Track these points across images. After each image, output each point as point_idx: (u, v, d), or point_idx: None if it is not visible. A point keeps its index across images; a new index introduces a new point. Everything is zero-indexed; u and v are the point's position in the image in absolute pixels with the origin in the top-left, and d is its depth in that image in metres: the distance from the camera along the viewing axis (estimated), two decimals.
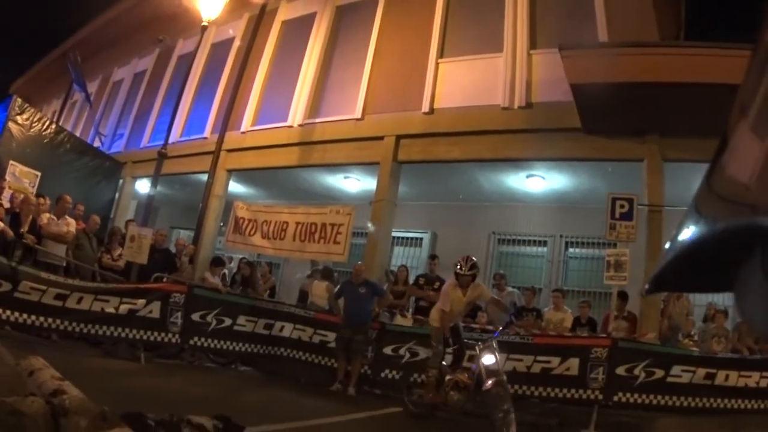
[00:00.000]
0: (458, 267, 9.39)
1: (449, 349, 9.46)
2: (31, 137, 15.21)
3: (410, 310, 13.08)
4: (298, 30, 18.36)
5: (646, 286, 1.25)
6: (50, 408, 3.90)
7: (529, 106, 13.11)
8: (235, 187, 19.15)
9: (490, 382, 8.14)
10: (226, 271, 15.59)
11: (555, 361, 10.12)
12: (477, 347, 8.75)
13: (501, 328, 9.31)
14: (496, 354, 8.48)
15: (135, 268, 12.90)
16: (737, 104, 0.98)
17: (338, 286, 12.68)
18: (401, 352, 11.16)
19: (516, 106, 13.20)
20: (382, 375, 11.20)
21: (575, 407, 9.97)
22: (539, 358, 10.24)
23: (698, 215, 1.02)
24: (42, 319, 10.21)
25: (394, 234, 15.78)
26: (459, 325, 9.64)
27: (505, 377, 8.34)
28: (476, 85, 14.04)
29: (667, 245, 1.10)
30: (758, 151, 0.84)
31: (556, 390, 10.00)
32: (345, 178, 17.19)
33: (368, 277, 12.31)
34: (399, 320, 12.53)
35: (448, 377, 9.03)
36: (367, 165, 15.46)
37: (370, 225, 14.42)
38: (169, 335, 11.38)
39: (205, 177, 17.74)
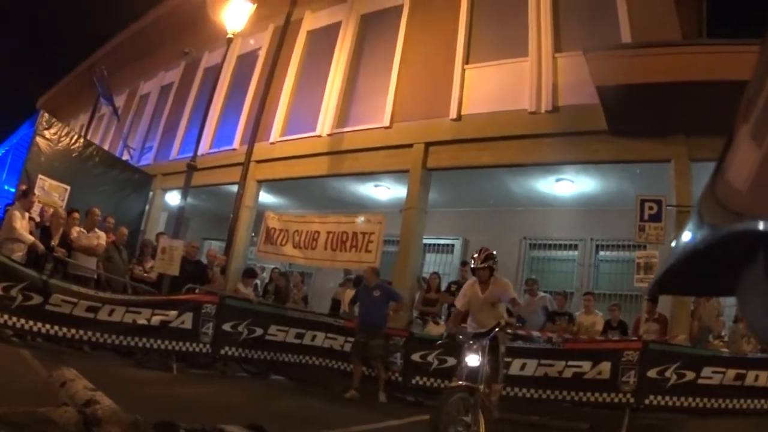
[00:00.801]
0: (471, 261, 8.80)
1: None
2: (60, 151, 15.67)
3: (443, 317, 13.35)
4: (323, 39, 18.84)
5: (649, 288, 1.44)
6: (83, 417, 4.21)
7: (556, 109, 13.37)
8: (265, 197, 19.55)
9: (459, 383, 7.12)
10: (258, 281, 15.97)
11: (587, 365, 10.32)
12: (465, 345, 7.68)
13: (496, 330, 7.93)
14: (482, 357, 7.33)
15: (167, 279, 13.30)
16: (742, 106, 1.00)
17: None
18: (429, 359, 11.42)
19: (543, 110, 13.46)
20: (413, 382, 11.49)
21: (607, 411, 10.13)
22: (571, 363, 10.46)
23: (701, 219, 1.05)
24: (73, 331, 10.48)
25: (425, 241, 16.06)
26: (497, 335, 8.06)
27: (482, 388, 6.99)
28: (503, 90, 14.32)
29: (672, 244, 1.15)
30: (754, 157, 0.88)
31: (588, 394, 10.19)
32: (375, 186, 17.54)
33: (383, 282, 12.58)
34: (431, 327, 12.82)
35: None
36: (396, 173, 15.78)
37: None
38: (201, 345, 11.70)
39: (234, 188, 18.18)
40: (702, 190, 1.10)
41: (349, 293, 13.95)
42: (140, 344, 11.15)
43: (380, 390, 11.13)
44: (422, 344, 11.67)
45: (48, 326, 10.24)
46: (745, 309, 1.08)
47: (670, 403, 9.80)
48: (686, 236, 1.07)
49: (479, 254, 8.52)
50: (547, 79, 13.66)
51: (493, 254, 8.53)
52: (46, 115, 16.33)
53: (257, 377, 12.67)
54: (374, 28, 17.96)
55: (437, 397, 7.19)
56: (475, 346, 7.40)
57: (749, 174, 0.89)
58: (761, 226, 0.80)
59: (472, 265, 8.63)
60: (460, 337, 8.22)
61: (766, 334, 1.07)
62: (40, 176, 14.65)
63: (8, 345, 9.70)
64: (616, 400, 9.99)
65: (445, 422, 6.51)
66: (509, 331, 9.56)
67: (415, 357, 11.60)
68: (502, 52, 14.73)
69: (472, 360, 7.27)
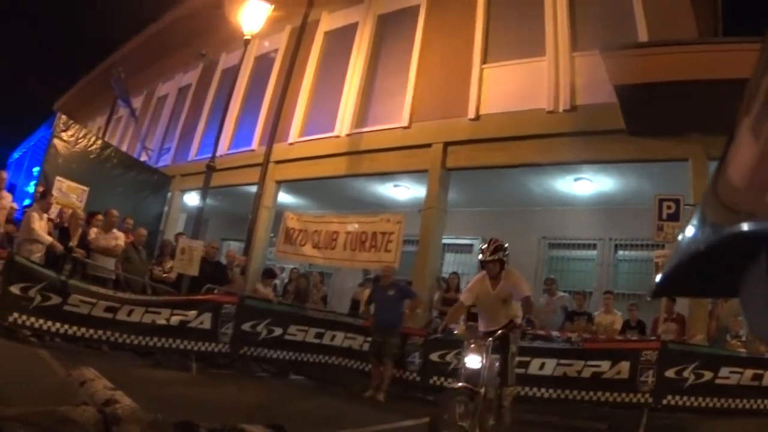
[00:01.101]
0: (480, 253, 7.99)
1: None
2: (77, 153, 15.98)
3: (462, 317, 13.47)
4: (340, 40, 19.15)
5: (651, 290, 1.47)
6: (102, 417, 4.20)
7: (574, 109, 13.50)
8: (284, 197, 19.85)
9: (458, 384, 6.67)
10: (277, 281, 16.23)
11: (605, 365, 10.36)
12: (465, 344, 7.17)
13: (505, 329, 7.41)
14: (485, 358, 6.77)
15: (186, 280, 13.56)
16: (744, 102, 1.02)
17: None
18: (448, 358, 11.48)
19: (561, 110, 13.61)
20: (431, 381, 11.60)
21: (625, 411, 10.18)
22: (590, 362, 10.50)
23: (703, 219, 1.05)
24: (92, 331, 10.68)
25: (444, 241, 16.24)
26: (508, 334, 7.48)
27: (483, 391, 6.58)
28: (521, 90, 14.48)
29: (678, 239, 1.16)
30: (753, 151, 0.88)
31: (607, 394, 10.22)
32: (395, 186, 17.76)
33: (399, 281, 12.79)
34: (452, 327, 12.91)
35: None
36: (415, 173, 16.01)
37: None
38: (220, 345, 11.88)
39: (253, 189, 18.49)
40: (705, 189, 1.15)
41: (368, 293, 14.00)
42: (159, 344, 11.38)
43: (381, 390, 11.23)
44: (441, 344, 11.59)
45: (66, 326, 10.47)
46: (747, 309, 1.10)
47: (688, 404, 9.85)
48: (689, 236, 1.10)
49: (488, 245, 7.86)
50: (564, 78, 13.80)
51: (503, 245, 7.86)
52: (64, 117, 16.58)
53: (277, 377, 12.85)
54: (391, 28, 18.19)
55: (438, 399, 6.72)
56: (475, 346, 6.90)
57: (748, 169, 0.91)
58: (761, 227, 0.81)
59: (481, 258, 7.92)
60: (455, 332, 8.06)
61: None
62: (57, 178, 14.99)
63: (26, 345, 9.92)
64: (634, 400, 9.99)
65: (443, 427, 6.11)
66: (528, 330, 9.60)
67: (434, 357, 11.67)
68: (520, 51, 14.89)
69: (472, 361, 6.78)
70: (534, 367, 10.74)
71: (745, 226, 0.86)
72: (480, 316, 8.33)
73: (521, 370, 10.21)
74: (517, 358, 8.23)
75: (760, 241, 0.88)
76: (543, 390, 10.66)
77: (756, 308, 1.03)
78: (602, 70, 11.55)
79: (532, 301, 8.11)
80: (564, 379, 10.59)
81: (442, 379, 11.46)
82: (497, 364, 7.36)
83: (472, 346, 6.87)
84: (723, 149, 1.11)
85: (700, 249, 1.03)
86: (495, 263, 7.75)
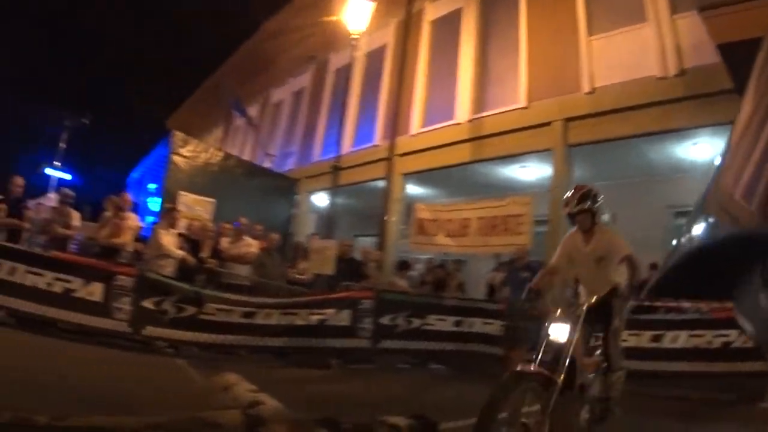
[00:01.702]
0: (565, 206, 6.84)
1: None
2: (199, 167, 17.88)
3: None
4: (447, 27, 20.75)
5: (646, 292, 1.82)
6: (247, 419, 4.60)
7: (683, 72, 14.36)
8: (412, 189, 21.53)
9: (531, 368, 5.34)
10: (414, 272, 17.65)
11: (734, 333, 10.70)
12: (550, 313, 5.88)
13: (593, 300, 6.05)
14: (574, 331, 5.64)
15: (323, 279, 14.77)
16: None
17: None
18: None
19: (671, 74, 14.49)
20: None
21: (751, 380, 10.19)
22: (719, 332, 10.93)
23: (703, 217, 1.05)
24: (224, 336, 11.59)
25: None
26: (612, 304, 6.39)
27: (560, 381, 5.32)
28: (630, 58, 15.44)
29: (674, 241, 1.23)
30: (750, 114, 0.88)
31: (736, 364, 10.54)
32: (521, 167, 18.97)
33: (533, 262, 13.65)
34: None
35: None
36: (539, 152, 17.19)
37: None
38: (359, 340, 12.74)
39: (380, 183, 20.34)
40: (710, 180, 1.12)
41: (502, 277, 15.00)
42: (299, 344, 12.29)
43: None
44: None
45: (203, 335, 11.45)
46: (741, 311, 1.16)
47: None
48: (688, 234, 1.13)
49: (573, 194, 6.73)
50: (669, 42, 14.63)
51: (591, 192, 6.72)
52: (180, 134, 18.41)
53: (417, 368, 13.50)
54: (495, 10, 19.53)
55: (498, 383, 5.17)
56: (562, 313, 5.79)
57: (743, 135, 0.89)
58: (745, 232, 0.85)
59: (567, 210, 6.81)
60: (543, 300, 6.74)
61: (759, 335, 1.14)
62: (180, 192, 16.87)
63: (163, 356, 10.83)
64: (761, 368, 9.73)
65: (500, 422, 4.94)
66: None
67: None
68: (622, 19, 15.80)
69: (557, 331, 5.66)
70: (667, 340, 11.44)
71: (734, 231, 0.88)
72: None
73: (655, 344, 11.33)
74: (623, 335, 7.16)
75: (751, 246, 0.88)
76: (675, 363, 11.26)
77: (748, 312, 1.07)
78: (704, 31, 12.08)
79: (635, 262, 6.44)
80: (695, 351, 11.17)
81: None
82: (595, 342, 6.56)
83: (559, 312, 5.80)
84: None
85: (694, 251, 1.03)
86: (585, 214, 6.65)
